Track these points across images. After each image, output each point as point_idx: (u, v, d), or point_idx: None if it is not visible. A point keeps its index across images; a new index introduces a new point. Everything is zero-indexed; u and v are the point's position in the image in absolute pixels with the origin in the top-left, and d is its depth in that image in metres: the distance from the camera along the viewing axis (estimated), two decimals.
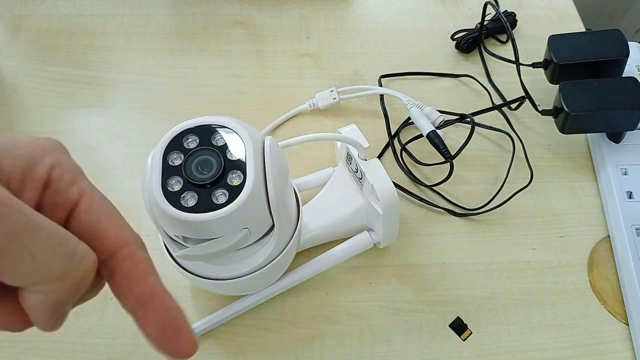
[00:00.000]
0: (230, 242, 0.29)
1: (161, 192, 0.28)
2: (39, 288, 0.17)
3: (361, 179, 0.39)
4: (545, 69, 0.50)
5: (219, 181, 0.28)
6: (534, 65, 0.50)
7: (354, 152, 0.39)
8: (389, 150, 0.49)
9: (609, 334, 0.40)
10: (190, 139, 0.29)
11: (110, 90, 0.52)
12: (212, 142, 0.29)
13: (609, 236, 0.44)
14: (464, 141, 0.44)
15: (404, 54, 0.56)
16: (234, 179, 0.28)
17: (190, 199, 0.28)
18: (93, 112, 0.51)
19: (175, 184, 0.28)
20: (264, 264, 0.33)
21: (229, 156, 0.29)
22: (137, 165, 0.47)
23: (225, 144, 0.29)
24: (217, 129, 0.29)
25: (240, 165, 0.28)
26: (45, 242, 0.17)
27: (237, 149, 0.29)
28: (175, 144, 0.29)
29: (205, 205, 0.28)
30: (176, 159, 0.29)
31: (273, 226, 0.32)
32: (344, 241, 0.41)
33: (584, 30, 0.58)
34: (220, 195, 0.28)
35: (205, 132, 0.29)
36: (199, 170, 0.28)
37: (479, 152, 0.49)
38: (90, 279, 0.19)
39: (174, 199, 0.28)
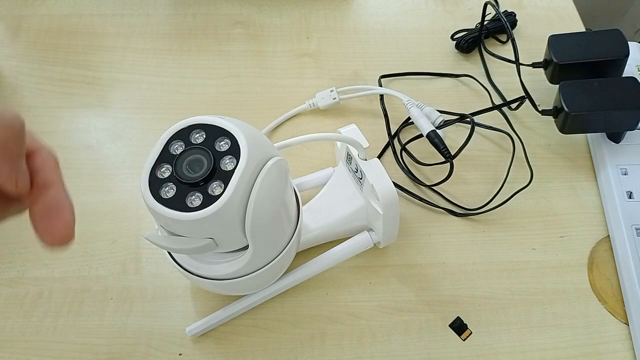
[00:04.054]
0: (191, 246, 0.28)
1: (147, 174, 0.28)
2: None
3: (361, 179, 0.39)
4: (545, 69, 0.50)
5: (200, 185, 0.28)
6: (534, 65, 0.50)
7: (354, 152, 0.39)
8: (389, 150, 0.49)
9: (609, 334, 0.40)
10: (197, 135, 0.29)
11: (110, 90, 0.52)
12: (215, 145, 0.29)
13: (609, 236, 0.44)
14: (464, 141, 0.44)
15: (404, 54, 0.56)
16: (215, 189, 0.28)
17: (169, 191, 0.28)
18: (93, 112, 0.51)
19: (165, 171, 0.29)
20: (232, 277, 0.33)
21: (222, 165, 0.28)
22: (137, 165, 0.47)
23: (226, 151, 0.29)
24: (228, 135, 0.29)
25: (227, 178, 0.28)
26: None
27: (233, 161, 0.28)
28: (183, 133, 0.29)
29: (177, 202, 0.28)
30: (177, 149, 0.29)
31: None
32: (344, 241, 0.41)
33: (584, 30, 0.58)
34: (194, 199, 0.28)
35: (215, 133, 0.29)
36: (188, 167, 0.28)
37: (479, 152, 0.49)
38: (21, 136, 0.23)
39: (156, 184, 0.28)
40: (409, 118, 0.49)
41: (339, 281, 0.42)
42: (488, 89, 0.53)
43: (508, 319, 0.41)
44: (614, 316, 0.41)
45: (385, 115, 0.50)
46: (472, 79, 0.54)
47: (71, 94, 0.51)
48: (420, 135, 0.46)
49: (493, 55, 0.54)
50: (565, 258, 0.43)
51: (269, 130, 0.49)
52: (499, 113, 0.51)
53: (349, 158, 0.40)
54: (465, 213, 0.45)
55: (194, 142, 0.29)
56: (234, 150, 0.28)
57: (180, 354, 0.38)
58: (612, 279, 0.42)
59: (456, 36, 0.56)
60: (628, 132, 0.47)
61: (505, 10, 0.58)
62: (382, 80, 0.53)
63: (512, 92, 0.52)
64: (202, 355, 0.38)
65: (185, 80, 0.53)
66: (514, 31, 0.58)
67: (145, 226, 0.44)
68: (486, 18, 0.54)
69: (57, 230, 0.23)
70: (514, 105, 0.50)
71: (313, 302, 0.41)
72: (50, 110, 0.50)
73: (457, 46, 0.55)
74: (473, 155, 0.48)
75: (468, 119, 0.48)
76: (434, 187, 0.46)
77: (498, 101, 0.52)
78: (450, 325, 0.40)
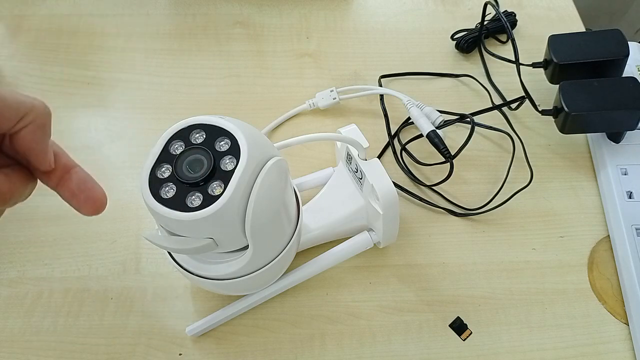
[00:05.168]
0: (191, 246, 0.28)
1: (147, 174, 0.28)
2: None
3: (361, 179, 0.39)
4: (545, 69, 0.50)
5: (200, 185, 0.28)
6: (534, 65, 0.50)
7: (354, 152, 0.39)
8: (389, 150, 0.49)
9: (609, 334, 0.40)
10: (197, 135, 0.29)
11: (110, 90, 0.52)
12: (215, 145, 0.29)
13: (609, 236, 0.44)
14: (464, 141, 0.44)
15: (404, 54, 0.56)
16: (215, 189, 0.28)
17: (170, 191, 0.28)
18: (93, 112, 0.51)
19: (165, 171, 0.29)
20: (232, 277, 0.33)
21: (222, 164, 0.28)
22: (137, 165, 0.47)
23: (226, 151, 0.29)
24: (228, 135, 0.29)
25: (227, 178, 0.28)
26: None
27: (233, 161, 0.28)
28: (183, 133, 0.29)
29: (178, 202, 0.28)
30: (177, 149, 0.29)
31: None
32: (344, 241, 0.41)
33: (584, 30, 0.58)
34: (195, 199, 0.28)
35: (215, 133, 0.29)
36: (188, 167, 0.28)
37: (479, 152, 0.49)
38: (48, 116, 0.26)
39: (156, 184, 0.28)
40: (409, 118, 0.49)
41: (339, 281, 0.42)
42: (488, 89, 0.53)
43: (508, 319, 0.41)
44: (614, 316, 0.41)
45: (385, 115, 0.50)
46: (472, 79, 0.54)
47: (71, 94, 0.51)
48: (420, 135, 0.46)
49: (493, 55, 0.54)
50: (565, 258, 0.43)
51: (269, 130, 0.49)
52: (499, 113, 0.51)
53: (349, 158, 0.40)
54: (465, 213, 0.45)
55: (194, 142, 0.29)
56: (234, 150, 0.28)
57: (180, 354, 0.38)
58: (612, 279, 0.42)
59: (456, 36, 0.56)
60: (628, 132, 0.47)
61: (505, 10, 0.58)
62: (382, 80, 0.53)
63: (512, 92, 0.52)
64: (202, 355, 0.38)
65: (185, 80, 0.53)
66: (514, 31, 0.58)
67: (145, 226, 0.44)
68: (486, 18, 0.54)
69: (95, 200, 0.27)
70: (514, 105, 0.50)
71: (313, 302, 0.41)
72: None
73: (457, 46, 0.55)
74: (473, 155, 0.48)
75: (468, 119, 0.48)
76: (434, 187, 0.46)
77: (498, 101, 0.52)
78: (450, 325, 0.40)
